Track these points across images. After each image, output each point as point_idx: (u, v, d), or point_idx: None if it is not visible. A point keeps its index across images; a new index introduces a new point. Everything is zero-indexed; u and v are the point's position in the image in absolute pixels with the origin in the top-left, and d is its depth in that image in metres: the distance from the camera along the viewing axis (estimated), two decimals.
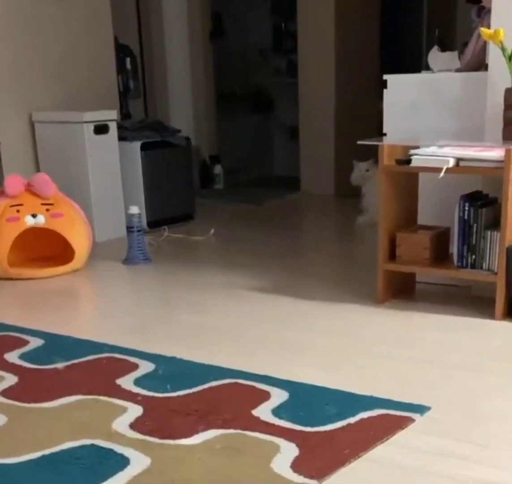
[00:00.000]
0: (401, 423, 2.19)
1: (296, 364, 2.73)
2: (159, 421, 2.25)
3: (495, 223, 3.10)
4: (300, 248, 4.79)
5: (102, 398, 2.44)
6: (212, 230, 4.97)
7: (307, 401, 2.37)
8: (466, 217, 3.16)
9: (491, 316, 3.11)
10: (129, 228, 4.26)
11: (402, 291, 3.49)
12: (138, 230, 4.23)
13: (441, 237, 3.37)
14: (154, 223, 5.06)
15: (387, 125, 3.59)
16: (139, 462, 2.01)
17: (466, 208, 3.15)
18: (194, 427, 2.20)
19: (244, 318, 3.29)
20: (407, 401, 2.33)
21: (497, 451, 2.04)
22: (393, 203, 3.34)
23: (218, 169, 6.94)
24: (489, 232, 3.12)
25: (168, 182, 5.18)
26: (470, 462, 1.98)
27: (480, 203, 3.16)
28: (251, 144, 7.46)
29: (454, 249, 3.23)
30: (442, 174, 3.06)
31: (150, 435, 2.16)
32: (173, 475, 1.94)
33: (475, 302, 3.32)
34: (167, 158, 5.21)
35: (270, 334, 3.06)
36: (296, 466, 1.96)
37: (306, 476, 1.91)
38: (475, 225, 3.15)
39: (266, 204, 6.15)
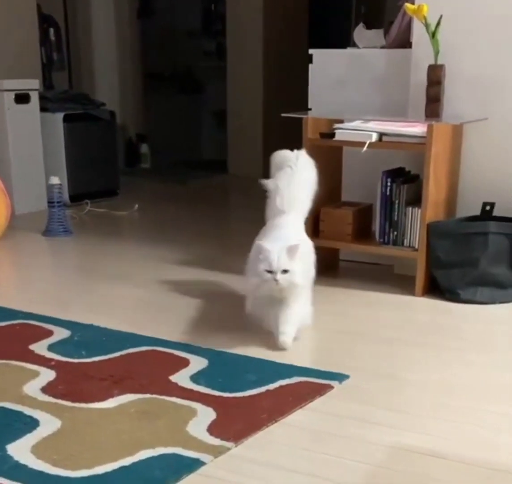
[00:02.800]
0: (320, 390, 2.19)
1: (218, 333, 2.70)
2: (72, 385, 2.20)
3: (417, 200, 3.13)
4: (224, 226, 4.76)
5: (13, 362, 2.37)
6: (136, 206, 4.90)
7: (226, 369, 2.35)
8: (388, 193, 3.18)
9: (412, 292, 3.15)
10: (50, 200, 4.16)
11: (326, 268, 3.48)
12: (59, 202, 4.13)
13: (364, 214, 3.38)
14: (76, 197, 4.96)
15: (312, 100, 3.59)
16: (49, 424, 1.96)
17: (388, 184, 3.17)
18: (109, 391, 2.16)
19: (166, 288, 3.25)
20: (326, 370, 2.33)
21: (414, 417, 2.06)
22: (317, 179, 3.32)
23: (144, 148, 6.85)
24: (410, 209, 3.15)
25: (92, 155, 5.09)
26: (386, 427, 1.99)
27: (402, 179, 3.19)
28: (179, 125, 7.38)
29: (376, 225, 3.25)
30: (365, 148, 3.07)
31: (62, 398, 2.11)
32: (84, 437, 1.89)
33: (397, 279, 3.35)
34: (91, 131, 5.10)
35: (192, 305, 3.02)
36: (213, 429, 1.94)
37: (222, 438, 1.89)
38: (397, 201, 3.17)
39: (192, 184, 6.10)
